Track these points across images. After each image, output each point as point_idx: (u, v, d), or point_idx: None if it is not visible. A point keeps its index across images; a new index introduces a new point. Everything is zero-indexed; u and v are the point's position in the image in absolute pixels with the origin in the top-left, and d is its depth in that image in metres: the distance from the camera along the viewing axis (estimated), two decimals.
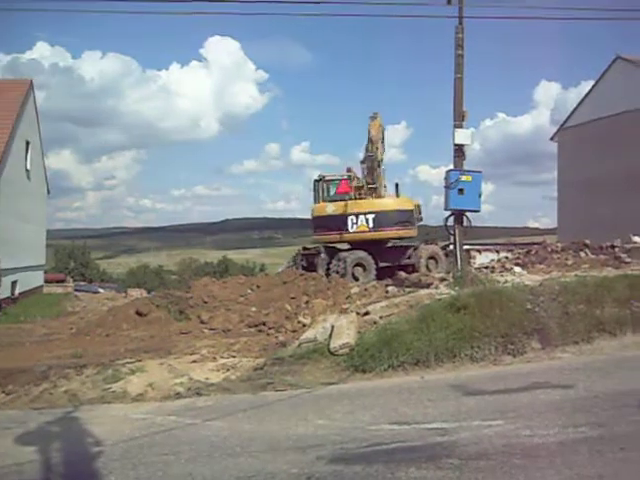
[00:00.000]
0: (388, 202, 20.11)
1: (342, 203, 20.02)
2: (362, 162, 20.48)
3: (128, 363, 11.06)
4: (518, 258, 20.86)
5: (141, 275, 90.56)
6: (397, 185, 20.99)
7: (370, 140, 20.10)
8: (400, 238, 20.67)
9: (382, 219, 19.51)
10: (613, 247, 19.18)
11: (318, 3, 12.96)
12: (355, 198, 20.10)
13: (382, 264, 19.53)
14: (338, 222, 19.78)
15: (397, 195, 20.81)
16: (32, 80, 29.84)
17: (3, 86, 28.22)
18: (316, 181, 21.09)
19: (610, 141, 30.88)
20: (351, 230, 19.62)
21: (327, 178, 21.03)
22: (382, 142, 20.79)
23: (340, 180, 20.86)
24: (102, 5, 23.69)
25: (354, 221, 19.55)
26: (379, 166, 20.38)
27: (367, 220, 19.47)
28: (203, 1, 16.45)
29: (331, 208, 20.24)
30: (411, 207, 20.40)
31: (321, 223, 20.55)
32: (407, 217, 20.01)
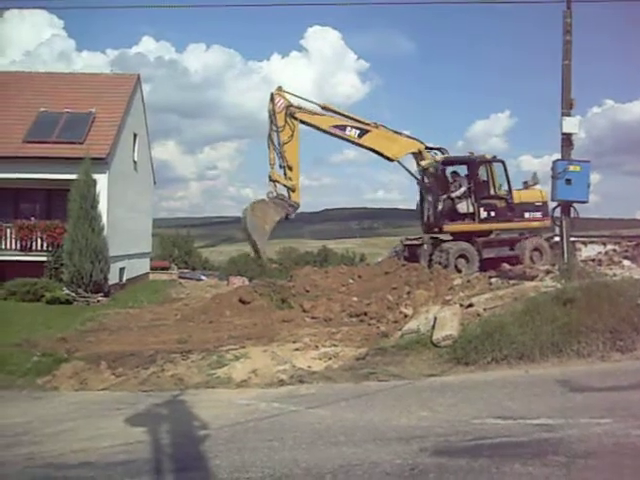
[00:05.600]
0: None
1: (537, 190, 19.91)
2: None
3: (232, 350, 11.32)
4: (627, 251, 20.06)
5: (242, 263, 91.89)
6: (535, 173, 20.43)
7: None
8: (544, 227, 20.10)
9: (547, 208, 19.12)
10: None
11: None
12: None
13: (485, 256, 19.10)
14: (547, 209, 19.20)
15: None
16: (139, 74, 30.68)
17: (114, 81, 29.25)
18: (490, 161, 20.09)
19: None
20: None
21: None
22: None
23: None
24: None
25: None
26: None
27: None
28: None
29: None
30: None
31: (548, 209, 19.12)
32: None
